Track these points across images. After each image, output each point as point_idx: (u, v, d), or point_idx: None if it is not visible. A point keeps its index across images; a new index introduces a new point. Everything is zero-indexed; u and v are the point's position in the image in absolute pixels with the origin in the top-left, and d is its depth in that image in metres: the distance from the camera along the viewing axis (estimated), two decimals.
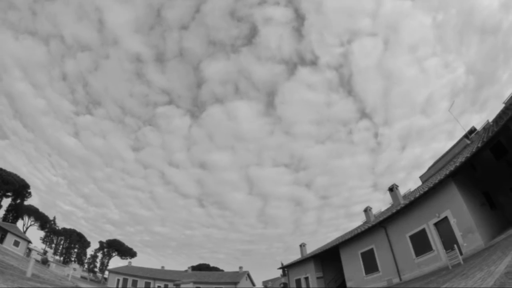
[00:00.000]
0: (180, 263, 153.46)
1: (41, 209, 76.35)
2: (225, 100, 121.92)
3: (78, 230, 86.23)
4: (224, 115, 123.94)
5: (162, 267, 65.32)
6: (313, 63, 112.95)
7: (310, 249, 41.67)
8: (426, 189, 20.65)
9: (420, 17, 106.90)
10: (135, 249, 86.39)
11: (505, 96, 22.65)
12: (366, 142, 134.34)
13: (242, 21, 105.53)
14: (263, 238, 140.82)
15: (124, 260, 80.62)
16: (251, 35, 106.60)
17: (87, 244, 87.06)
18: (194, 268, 71.68)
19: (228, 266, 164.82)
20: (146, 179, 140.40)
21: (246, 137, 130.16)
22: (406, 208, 22.50)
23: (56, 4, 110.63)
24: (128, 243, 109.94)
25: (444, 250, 18.56)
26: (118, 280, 55.85)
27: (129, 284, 54.90)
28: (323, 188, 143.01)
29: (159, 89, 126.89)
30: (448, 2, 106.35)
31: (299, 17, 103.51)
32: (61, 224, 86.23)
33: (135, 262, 70.10)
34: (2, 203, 63.96)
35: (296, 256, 42.81)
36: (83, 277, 67.02)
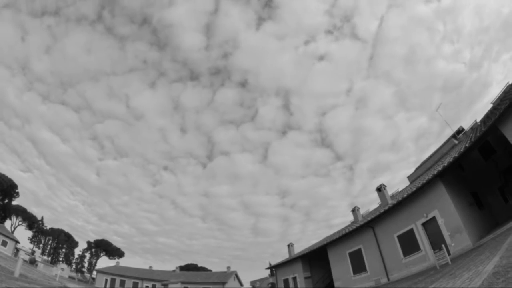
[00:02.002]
0: (170, 264, 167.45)
1: (51, 223, 76.57)
2: (228, 153, 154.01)
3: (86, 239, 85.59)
4: (227, 163, 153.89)
5: (150, 267, 64.64)
6: (299, 129, 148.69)
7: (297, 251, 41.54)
8: (414, 189, 20.59)
9: (387, 88, 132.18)
10: (136, 255, 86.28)
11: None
12: (343, 175, 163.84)
13: (248, 108, 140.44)
14: (254, 245, 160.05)
15: (112, 260, 79.96)
16: (254, 115, 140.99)
17: (75, 244, 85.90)
18: (182, 268, 71.12)
19: (217, 267, 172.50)
20: (159, 205, 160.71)
21: (243, 177, 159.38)
22: (394, 208, 22.42)
23: (86, 84, 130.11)
24: (129, 249, 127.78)
25: (432, 250, 18.50)
26: (106, 280, 55.24)
27: (117, 284, 54.32)
28: (305, 208, 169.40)
29: (179, 150, 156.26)
30: (413, 73, 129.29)
31: (287, 104, 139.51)
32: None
33: (123, 262, 69.48)
34: None
35: (282, 259, 42.62)
36: (71, 277, 65.90)
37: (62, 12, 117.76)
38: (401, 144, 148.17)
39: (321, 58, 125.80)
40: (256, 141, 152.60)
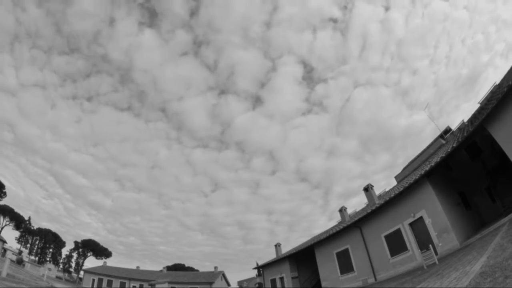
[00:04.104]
0: (161, 265, 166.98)
1: (61, 235, 77.06)
2: (227, 187, 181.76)
3: None
4: (226, 194, 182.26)
5: (137, 267, 64.03)
6: (283, 170, 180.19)
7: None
8: (401, 189, 20.54)
9: (353, 141, 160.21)
10: (134, 260, 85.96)
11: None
12: (320, 199, 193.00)
13: (246, 162, 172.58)
14: (243, 252, 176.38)
15: (99, 260, 79.04)
16: (248, 165, 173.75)
17: (62, 244, 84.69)
18: (169, 268, 70.58)
19: (204, 267, 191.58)
20: (166, 223, 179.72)
21: (237, 203, 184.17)
22: (381, 208, 22.36)
23: (113, 144, 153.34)
24: (128, 255, 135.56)
25: (419, 250, 18.45)
26: (93, 280, 54.45)
27: (104, 284, 53.62)
28: (288, 223, 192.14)
29: (189, 187, 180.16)
30: (376, 128, 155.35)
31: (272, 156, 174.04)
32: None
33: (110, 262, 68.74)
34: None
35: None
36: (58, 277, 64.95)
37: (93, 99, 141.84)
38: (368, 175, 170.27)
39: (298, 127, 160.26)
40: (250, 180, 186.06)
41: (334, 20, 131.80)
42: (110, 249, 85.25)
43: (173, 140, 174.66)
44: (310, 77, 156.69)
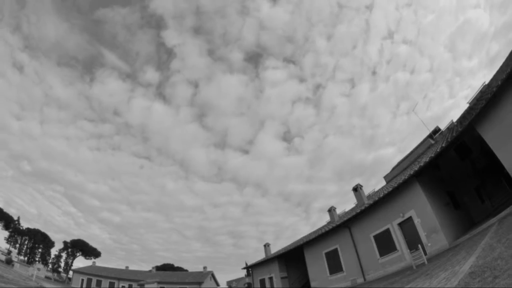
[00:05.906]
0: (146, 264, 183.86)
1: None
2: (222, 206, 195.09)
3: None
4: (221, 211, 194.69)
5: (126, 267, 63.51)
6: (270, 194, 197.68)
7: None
8: (391, 189, 20.47)
9: (328, 173, 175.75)
10: (132, 262, 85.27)
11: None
12: (303, 212, 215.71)
13: (239, 190, 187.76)
14: (234, 255, 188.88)
15: (88, 260, 78.33)
16: (241, 192, 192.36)
17: (51, 244, 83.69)
18: (158, 268, 70.13)
19: (195, 268, 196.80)
20: (168, 234, 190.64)
21: (230, 218, 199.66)
22: (370, 208, 22.30)
23: (130, 177, 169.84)
24: (127, 258, 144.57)
25: (408, 250, 18.38)
26: (82, 280, 53.80)
27: (93, 284, 53.07)
28: (274, 232, 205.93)
29: (192, 207, 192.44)
30: (348, 161, 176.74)
31: (260, 186, 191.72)
32: None
33: (99, 262, 68.12)
34: None
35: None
36: (47, 277, 64.15)
37: (116, 149, 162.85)
38: (344, 192, 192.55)
39: (279, 165, 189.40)
40: (243, 201, 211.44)
41: (308, 98, 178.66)
42: (110, 254, 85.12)
43: (182, 178, 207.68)
44: (288, 136, 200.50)
